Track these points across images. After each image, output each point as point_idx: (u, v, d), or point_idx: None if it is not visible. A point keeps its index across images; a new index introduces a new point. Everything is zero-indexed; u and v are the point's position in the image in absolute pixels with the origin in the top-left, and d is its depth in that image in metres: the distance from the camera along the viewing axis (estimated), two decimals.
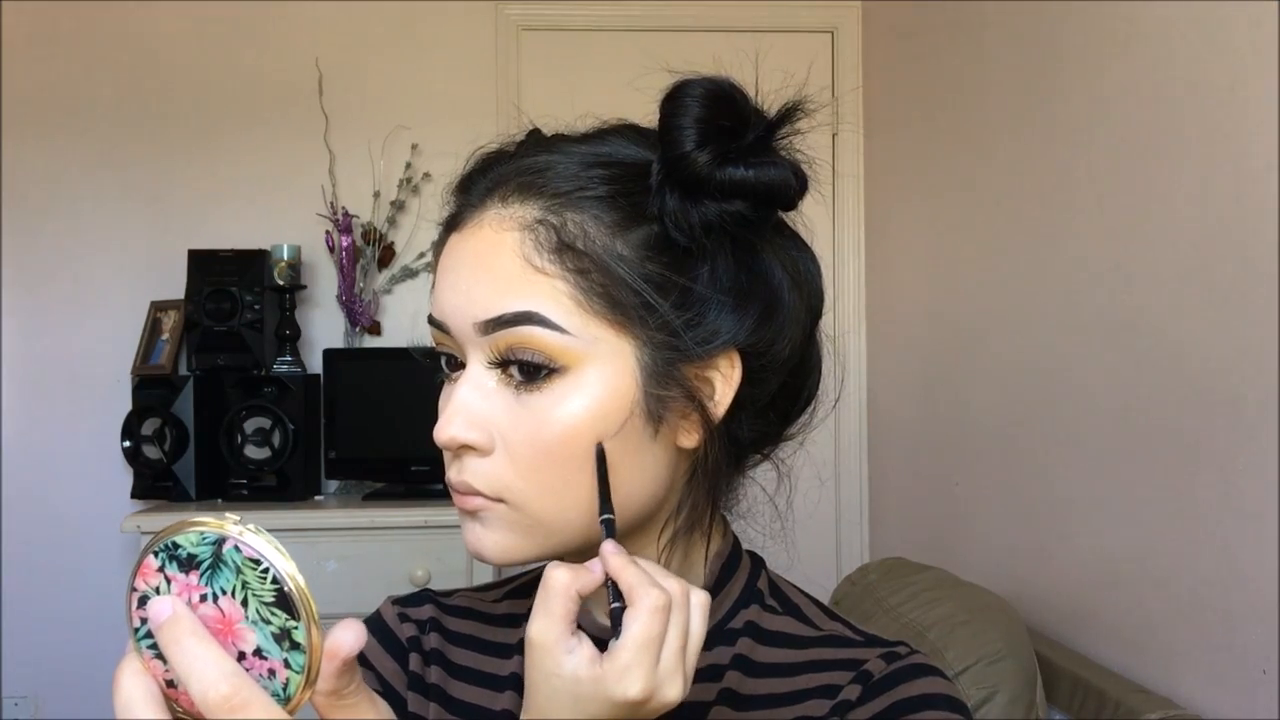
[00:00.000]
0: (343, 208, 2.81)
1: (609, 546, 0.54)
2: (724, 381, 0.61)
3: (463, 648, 0.71)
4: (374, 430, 2.70)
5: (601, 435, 0.58)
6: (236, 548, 0.44)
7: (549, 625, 0.52)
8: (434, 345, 0.64)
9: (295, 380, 2.63)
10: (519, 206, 0.59)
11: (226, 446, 2.57)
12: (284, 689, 0.44)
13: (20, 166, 2.82)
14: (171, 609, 0.44)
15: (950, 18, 2.31)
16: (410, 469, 2.64)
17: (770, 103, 0.60)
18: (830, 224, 2.90)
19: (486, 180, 0.62)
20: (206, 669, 0.43)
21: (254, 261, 2.68)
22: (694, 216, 0.59)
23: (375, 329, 2.86)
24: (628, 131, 0.63)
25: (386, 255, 2.86)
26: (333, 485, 2.82)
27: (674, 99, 0.59)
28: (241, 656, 0.44)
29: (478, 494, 0.59)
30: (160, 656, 0.44)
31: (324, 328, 2.87)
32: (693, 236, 0.59)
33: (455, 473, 0.60)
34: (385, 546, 2.48)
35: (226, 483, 2.61)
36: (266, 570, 0.44)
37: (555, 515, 0.59)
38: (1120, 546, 1.63)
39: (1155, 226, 1.54)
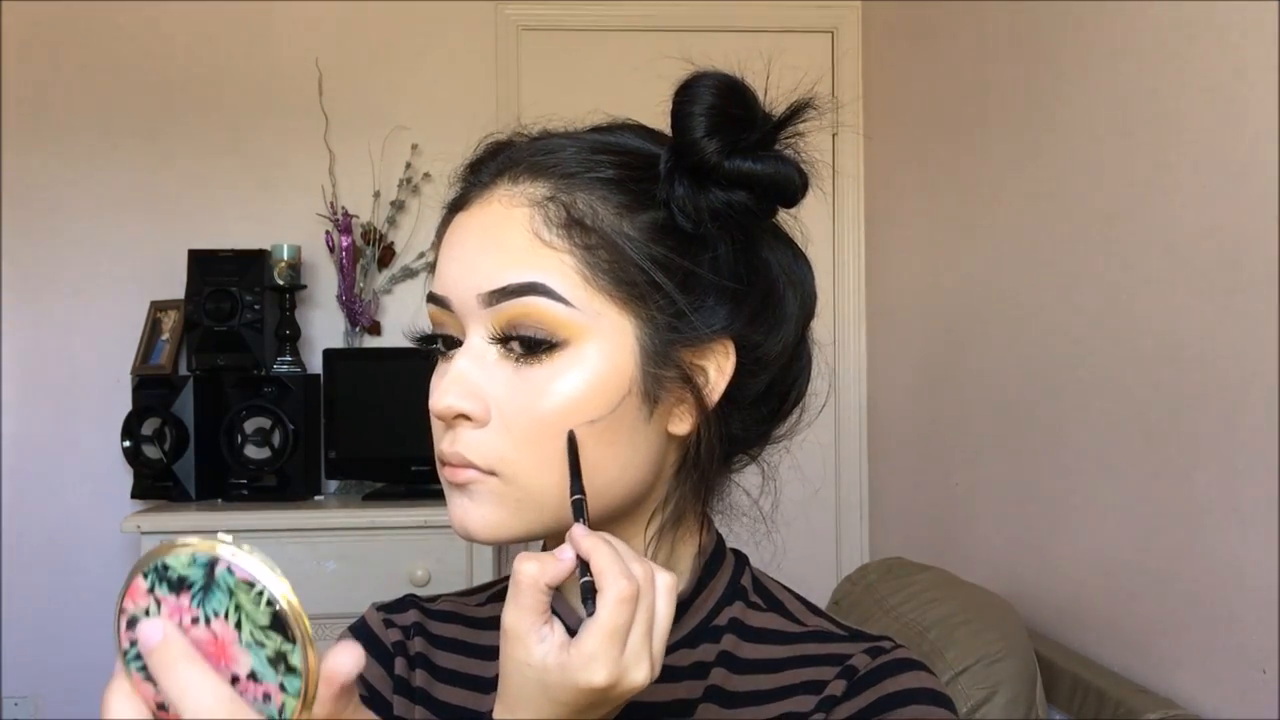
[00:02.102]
0: (343, 208, 2.82)
1: (579, 529, 0.54)
2: (718, 370, 0.62)
3: (448, 651, 0.72)
4: (374, 430, 2.70)
5: (599, 410, 0.58)
6: (230, 569, 0.43)
7: (520, 616, 0.52)
8: (431, 329, 0.64)
9: (295, 380, 2.63)
10: (529, 185, 0.61)
11: (226, 446, 2.57)
12: (280, 713, 0.43)
13: (20, 166, 2.82)
14: (162, 632, 0.43)
15: (950, 18, 2.31)
16: (410, 469, 2.64)
17: (774, 102, 0.61)
18: (830, 224, 2.90)
19: (496, 163, 0.63)
20: (201, 694, 0.42)
21: (254, 261, 2.68)
22: (701, 202, 0.60)
23: (375, 329, 2.86)
24: (635, 127, 0.65)
25: (386, 255, 2.86)
26: (333, 485, 2.82)
27: (687, 88, 0.60)
28: (235, 680, 0.43)
29: (470, 466, 0.59)
30: (151, 679, 0.44)
31: (324, 328, 2.87)
32: (698, 223, 0.60)
33: (448, 444, 0.60)
34: (385, 546, 2.48)
35: (226, 483, 2.61)
36: (261, 592, 0.43)
37: (547, 490, 0.59)
38: (1120, 546, 1.63)
39: (1155, 227, 1.54)
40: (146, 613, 0.44)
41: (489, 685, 0.68)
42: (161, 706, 0.44)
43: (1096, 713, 1.49)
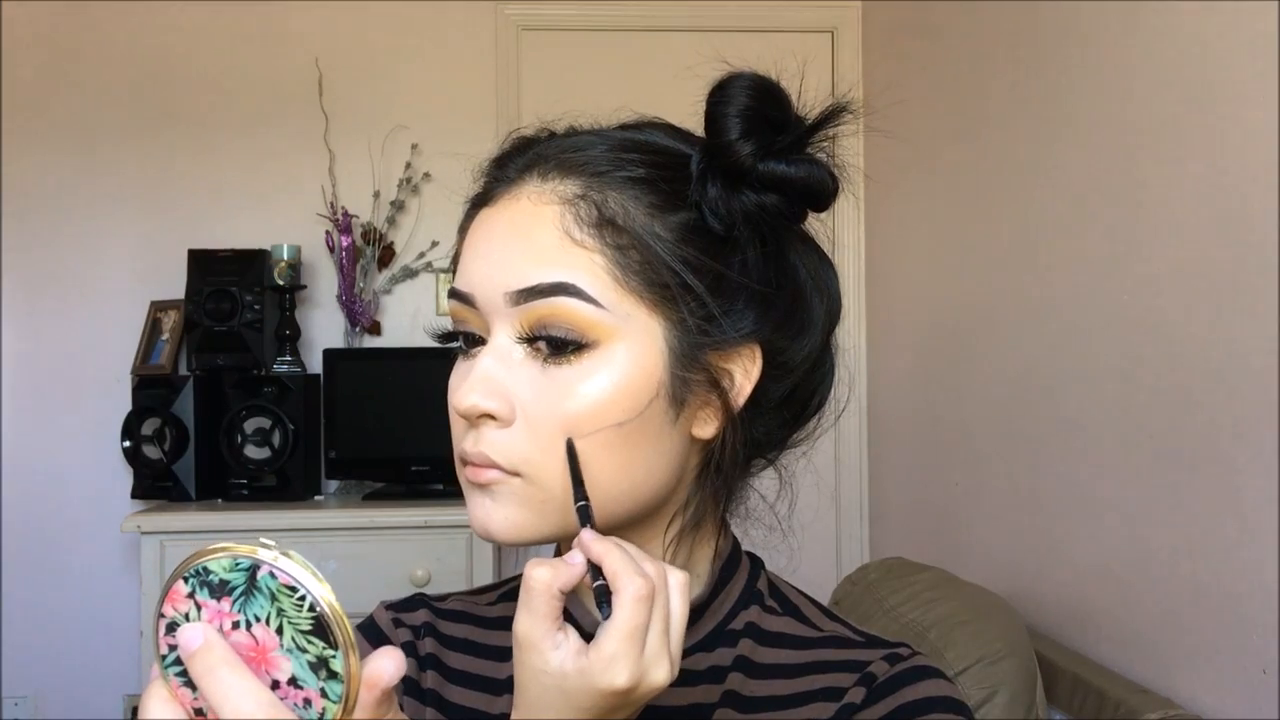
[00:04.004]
0: (343, 208, 2.81)
1: (587, 534, 0.54)
2: (744, 374, 0.62)
3: (459, 652, 0.71)
4: (374, 430, 2.70)
5: (626, 413, 0.58)
6: (272, 574, 0.43)
7: (533, 623, 0.51)
8: (451, 326, 0.63)
9: (295, 380, 2.63)
10: (559, 182, 0.60)
11: (226, 446, 2.57)
12: (320, 718, 0.43)
13: (20, 166, 2.82)
14: (203, 637, 0.43)
15: (950, 17, 2.31)
16: (410, 469, 2.64)
17: (809, 105, 0.61)
18: (830, 224, 2.89)
19: (524, 158, 0.62)
20: (242, 699, 0.42)
21: (254, 261, 2.68)
22: (733, 204, 0.59)
23: (375, 329, 2.86)
24: (664, 126, 0.65)
25: (386, 255, 2.86)
26: (333, 485, 2.81)
27: (722, 89, 0.60)
28: (275, 685, 0.43)
29: (494, 466, 0.58)
30: (189, 684, 0.43)
31: (324, 328, 2.87)
32: (730, 225, 0.60)
33: (471, 444, 0.59)
34: (385, 546, 2.48)
35: (226, 483, 2.61)
36: (303, 597, 0.42)
37: (572, 492, 0.58)
38: (1120, 546, 1.63)
39: (1155, 227, 1.54)
40: (186, 617, 0.44)
41: (501, 687, 0.68)
42: (199, 712, 0.44)
43: (1096, 713, 1.49)
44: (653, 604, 0.51)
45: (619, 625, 0.50)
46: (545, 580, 0.51)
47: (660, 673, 0.51)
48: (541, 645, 0.51)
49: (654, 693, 0.51)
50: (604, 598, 0.51)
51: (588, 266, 0.58)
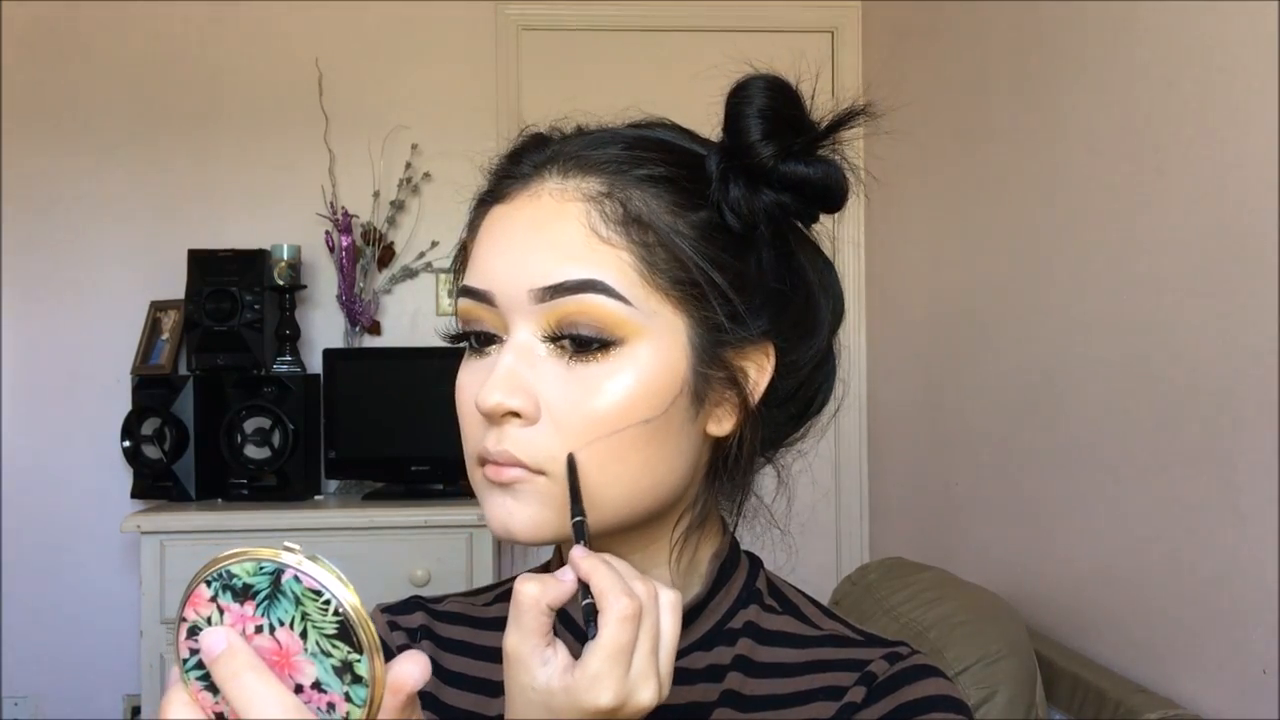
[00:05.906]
0: (343, 208, 2.81)
1: (578, 551, 0.53)
2: (758, 371, 0.62)
3: (455, 654, 0.71)
4: (374, 430, 2.70)
5: (652, 410, 0.58)
6: (296, 578, 0.43)
7: (522, 639, 0.51)
8: (460, 325, 0.62)
9: (295, 380, 2.63)
10: (580, 179, 0.60)
11: (226, 446, 2.57)
12: None
13: (20, 166, 2.82)
14: (226, 641, 0.43)
15: (950, 18, 2.31)
16: (410, 469, 2.64)
17: (820, 107, 0.62)
18: (830, 224, 2.89)
19: (540, 155, 0.62)
20: (266, 703, 0.42)
21: (254, 261, 2.68)
22: (755, 204, 0.60)
23: (375, 329, 2.86)
24: (672, 126, 0.65)
25: (386, 255, 2.86)
26: (333, 485, 2.81)
27: (742, 90, 0.60)
28: (299, 689, 0.43)
29: (518, 464, 0.58)
30: (210, 688, 0.43)
31: (324, 328, 2.87)
32: (751, 225, 0.60)
33: (494, 442, 0.58)
34: (385, 546, 2.48)
35: (226, 483, 2.61)
36: (328, 601, 0.42)
37: (597, 490, 0.58)
38: (1120, 546, 1.63)
39: (1155, 227, 1.54)
40: (209, 621, 0.44)
41: (497, 688, 0.67)
42: (221, 716, 0.44)
43: (1096, 713, 1.49)
44: (639, 623, 0.51)
45: (603, 644, 0.50)
46: (534, 596, 0.51)
47: (647, 693, 0.50)
48: (529, 662, 0.51)
49: (641, 712, 0.51)
50: (592, 616, 0.51)
51: (615, 264, 0.58)
